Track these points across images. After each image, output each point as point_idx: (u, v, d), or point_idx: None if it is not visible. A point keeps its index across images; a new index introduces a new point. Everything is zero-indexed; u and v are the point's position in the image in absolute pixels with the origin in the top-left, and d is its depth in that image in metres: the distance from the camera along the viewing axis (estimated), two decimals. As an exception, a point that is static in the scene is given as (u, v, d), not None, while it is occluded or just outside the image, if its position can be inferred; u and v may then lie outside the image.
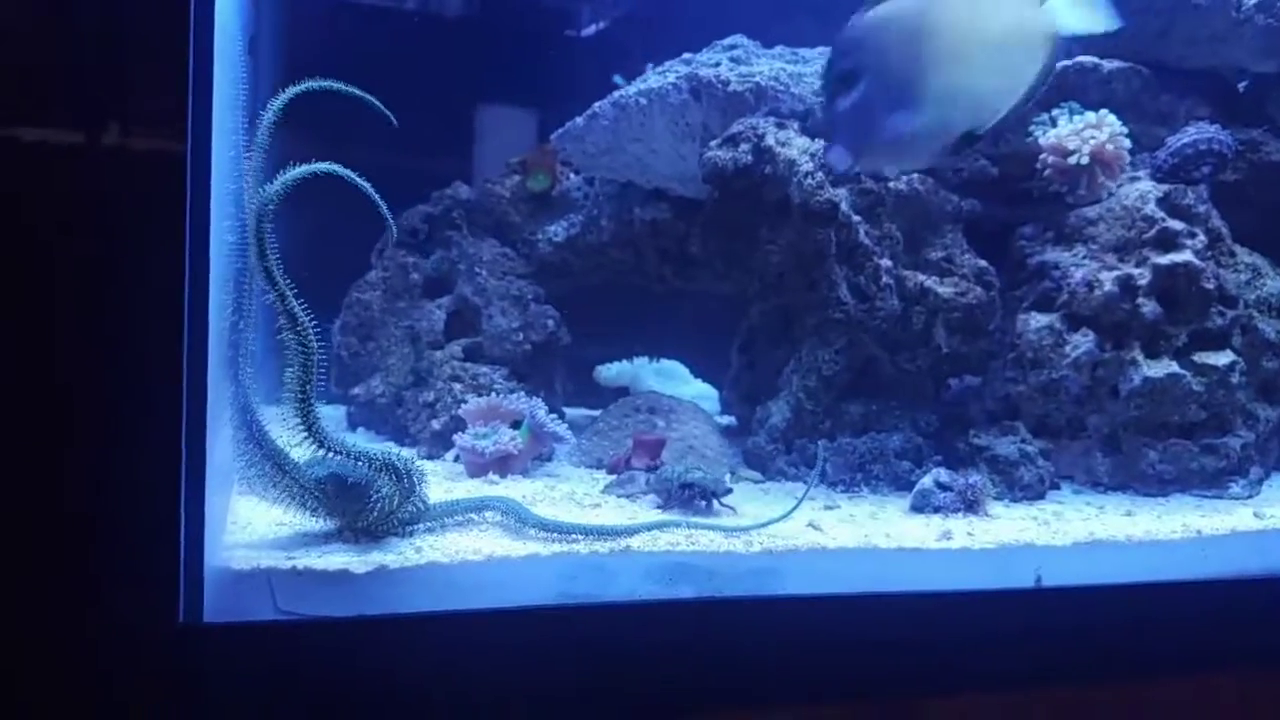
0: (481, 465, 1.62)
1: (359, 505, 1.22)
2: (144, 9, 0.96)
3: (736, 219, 1.78)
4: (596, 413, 2.09)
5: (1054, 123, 1.89)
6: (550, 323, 1.93)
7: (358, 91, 1.22)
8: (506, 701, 1.13)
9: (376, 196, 1.22)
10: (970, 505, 1.60)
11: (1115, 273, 1.79)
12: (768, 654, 1.25)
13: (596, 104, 1.85)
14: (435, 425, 1.77)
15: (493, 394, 1.77)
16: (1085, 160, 1.84)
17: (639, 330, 2.25)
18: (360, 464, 1.20)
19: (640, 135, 1.82)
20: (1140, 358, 1.76)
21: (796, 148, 1.71)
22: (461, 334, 1.90)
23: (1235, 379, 1.78)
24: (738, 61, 1.86)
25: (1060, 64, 1.92)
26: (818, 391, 1.77)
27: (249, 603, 1.11)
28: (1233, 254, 1.90)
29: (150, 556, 1.00)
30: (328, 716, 1.08)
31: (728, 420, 2.14)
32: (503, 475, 1.63)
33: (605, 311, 2.22)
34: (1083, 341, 1.77)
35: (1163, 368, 1.76)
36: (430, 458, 1.76)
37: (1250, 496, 1.78)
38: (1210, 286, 1.79)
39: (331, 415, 1.98)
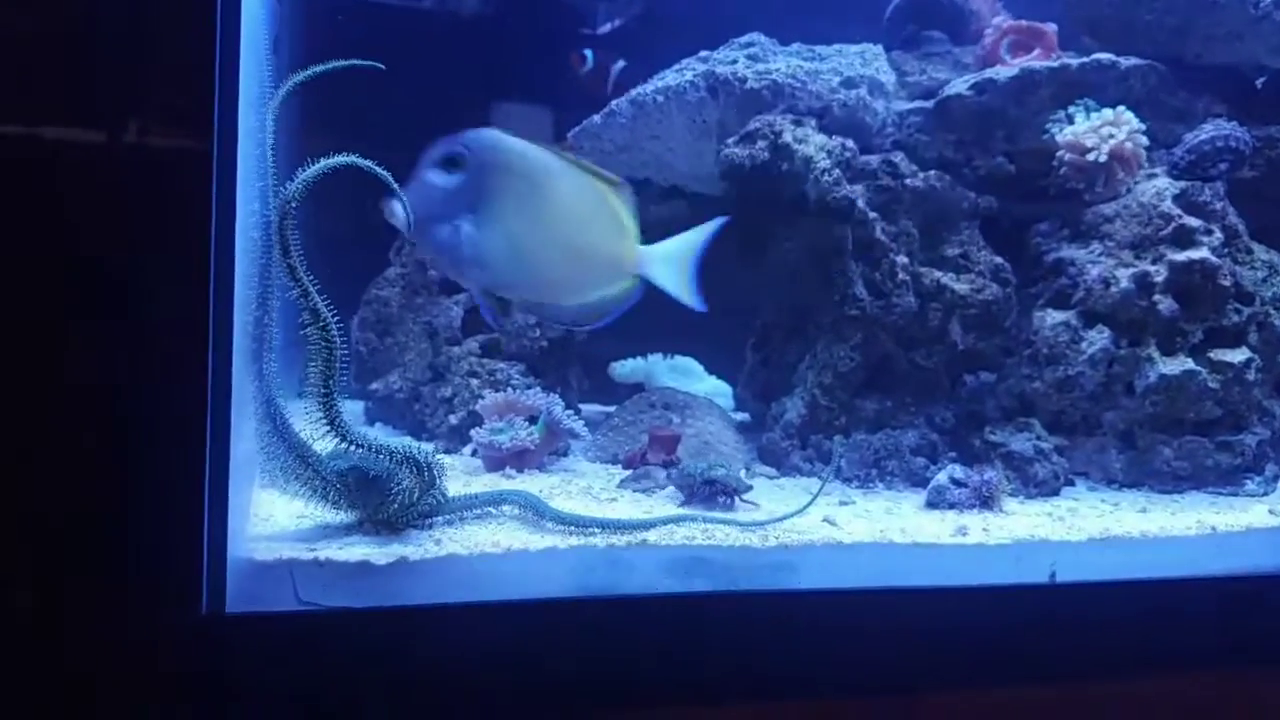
0: (499, 460, 1.64)
1: (380, 498, 1.23)
2: (170, 6, 0.98)
3: (753, 216, 1.79)
4: (612, 409, 2.09)
5: (1071, 120, 1.89)
6: (566, 319, 1.94)
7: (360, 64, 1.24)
8: (524, 691, 1.15)
9: (395, 186, 1.24)
10: (985, 501, 1.60)
11: (1131, 270, 1.79)
12: (783, 648, 1.26)
13: (614, 102, 1.86)
14: (453, 420, 1.79)
15: (509, 389, 1.78)
16: (1104, 158, 1.84)
17: (653, 327, 2.25)
18: (381, 457, 1.21)
19: (658, 132, 1.83)
20: (1156, 354, 1.76)
21: (813, 145, 1.72)
22: (478, 330, 1.91)
23: (1251, 376, 1.78)
24: (755, 59, 1.87)
25: (1078, 61, 1.93)
26: (833, 388, 1.78)
27: (271, 593, 1.12)
28: (1250, 251, 1.90)
29: (174, 548, 1.01)
30: (349, 705, 1.10)
31: (742, 416, 2.14)
32: (520, 470, 1.64)
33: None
34: (1098, 338, 1.78)
35: (1178, 365, 1.76)
36: (448, 452, 1.78)
37: (1266, 493, 1.78)
38: (1227, 283, 1.79)
39: (350, 410, 1.99)
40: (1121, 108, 1.87)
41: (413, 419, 1.88)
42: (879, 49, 2.03)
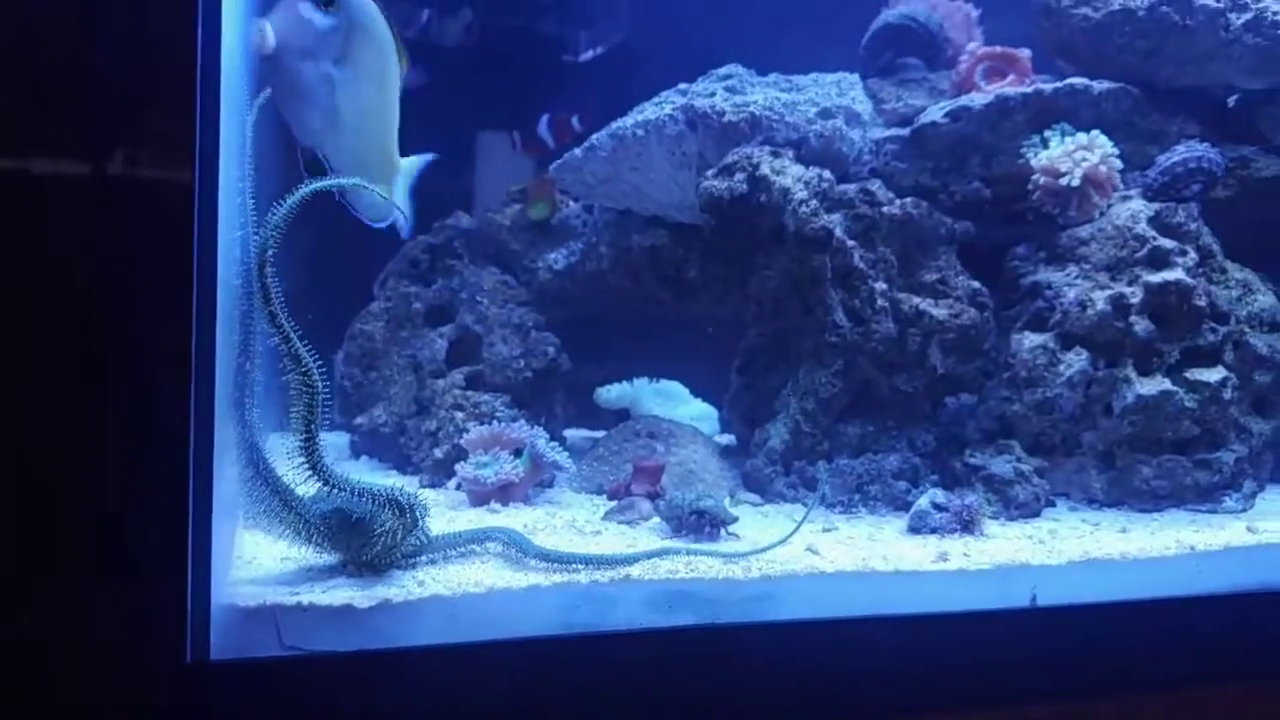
0: (483, 494, 1.65)
1: (363, 540, 1.24)
2: (152, 46, 0.99)
3: (733, 246, 1.81)
4: (598, 434, 2.11)
5: (1045, 144, 1.92)
6: (551, 350, 1.96)
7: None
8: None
9: (365, 183, 1.25)
10: (966, 525, 1.62)
11: (1108, 292, 1.81)
12: (767, 679, 1.27)
13: (594, 136, 1.87)
14: (438, 454, 1.80)
15: (494, 422, 1.79)
16: (1077, 182, 1.86)
17: (639, 353, 2.27)
18: (364, 500, 1.22)
19: (638, 165, 1.85)
20: (1133, 375, 1.78)
21: (791, 176, 1.74)
22: (463, 362, 1.93)
23: (1228, 394, 1.80)
24: (733, 91, 1.89)
25: (1051, 86, 1.95)
26: (815, 414, 1.79)
27: (255, 639, 1.13)
28: (1224, 270, 1.92)
29: (157, 598, 1.02)
30: (335, 750, 1.10)
31: (728, 439, 2.16)
32: (505, 503, 1.65)
33: (605, 336, 2.24)
34: (1076, 360, 1.80)
35: (1156, 385, 1.78)
36: (433, 486, 1.79)
37: (1244, 510, 1.80)
38: (1202, 303, 1.81)
39: (335, 443, 2.01)
40: (1095, 132, 1.90)
41: (398, 453, 1.89)
42: (855, 78, 2.05)
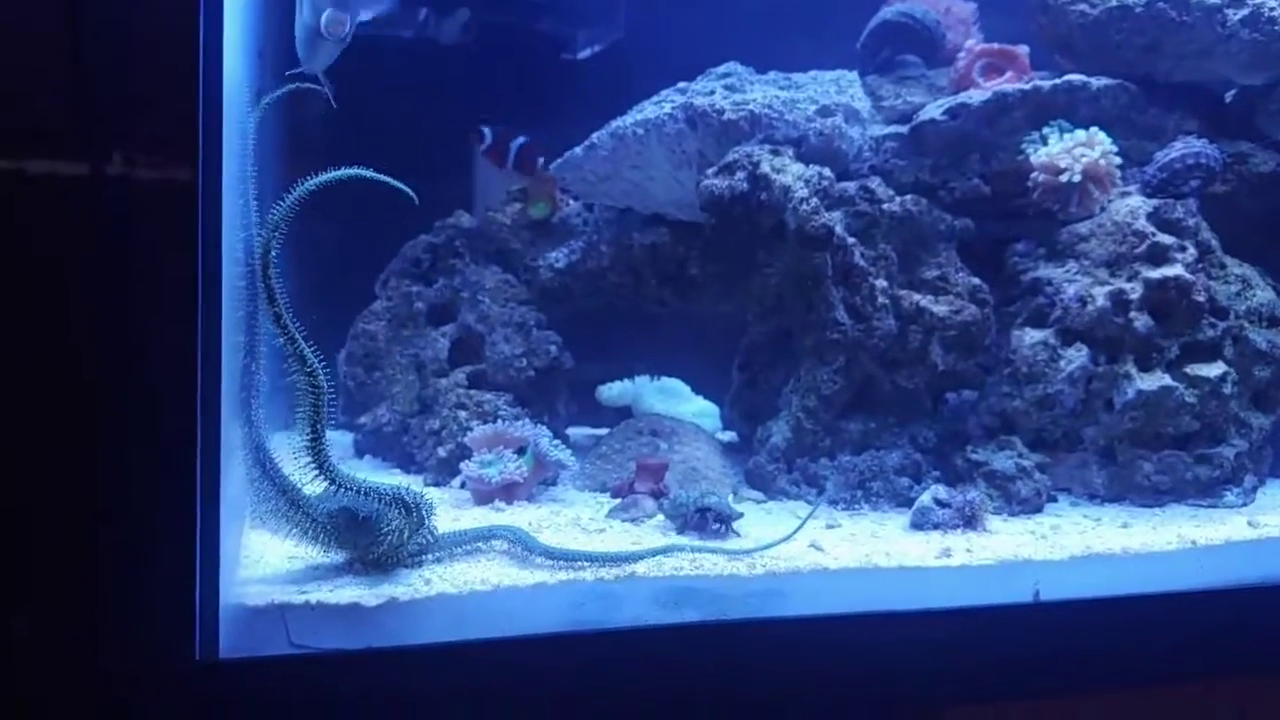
0: (487, 493, 1.65)
1: (369, 539, 1.25)
2: (155, 53, 0.99)
3: (734, 244, 1.82)
4: (600, 432, 2.11)
5: (1044, 141, 1.92)
6: (552, 348, 1.96)
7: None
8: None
9: (369, 172, 1.25)
10: (969, 521, 1.63)
11: (1107, 288, 1.82)
12: (772, 674, 1.28)
13: (594, 134, 1.88)
14: (441, 452, 1.80)
15: (498, 420, 1.79)
16: (1077, 178, 1.87)
17: (641, 350, 2.27)
18: (370, 499, 1.23)
19: (638, 163, 1.86)
20: (1133, 371, 1.79)
21: (791, 174, 1.74)
22: (465, 361, 1.93)
23: (1227, 389, 1.81)
24: (732, 89, 1.89)
25: (1050, 83, 1.96)
26: (817, 411, 1.80)
27: (263, 638, 1.14)
28: (1223, 266, 1.93)
29: (167, 597, 1.03)
30: (344, 748, 1.11)
31: (729, 436, 2.16)
32: (509, 502, 1.66)
33: (607, 334, 2.24)
34: (1076, 356, 1.80)
35: (1156, 380, 1.78)
36: (437, 484, 1.79)
37: (1245, 504, 1.81)
38: (1201, 299, 1.82)
39: (339, 442, 2.01)
40: (1094, 128, 1.90)
41: (401, 451, 1.90)
42: (854, 75, 2.06)
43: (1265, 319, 1.91)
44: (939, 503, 1.64)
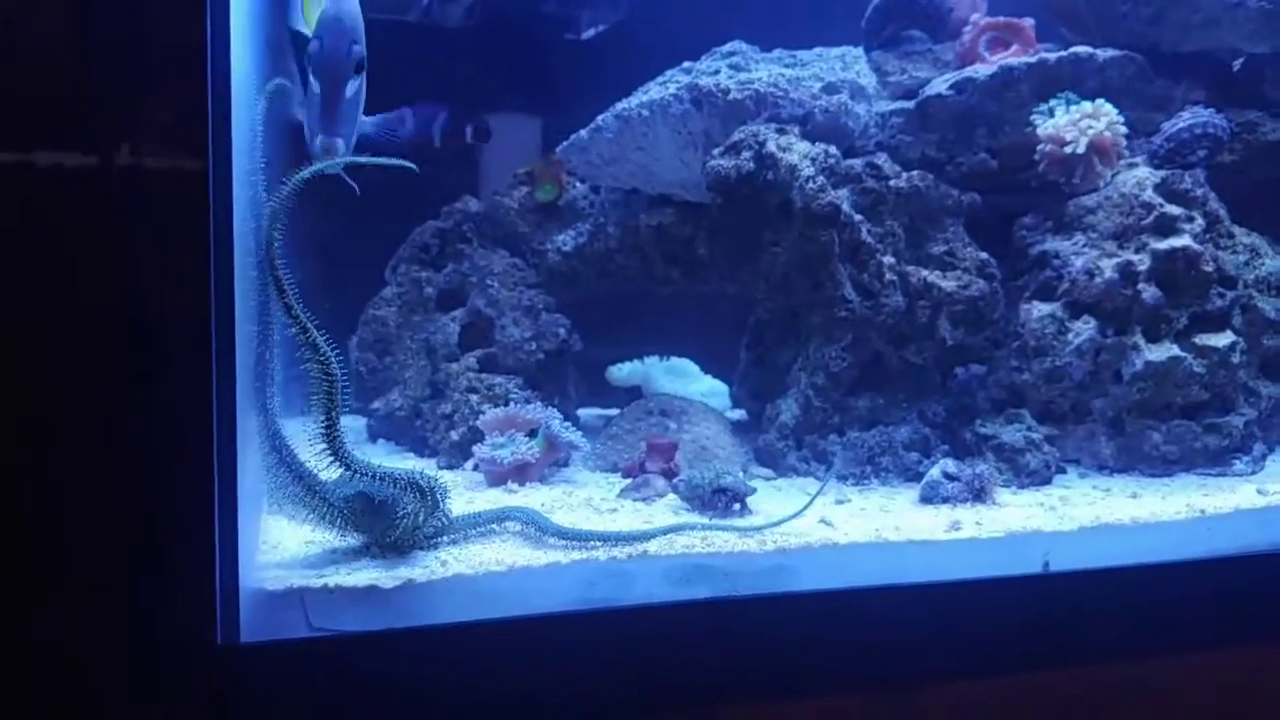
0: (500, 474, 1.67)
1: (386, 522, 1.27)
2: (162, 40, 1.00)
3: (741, 224, 1.82)
4: (610, 412, 2.13)
5: (1052, 114, 1.91)
6: (561, 331, 1.97)
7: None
8: (533, 704, 1.18)
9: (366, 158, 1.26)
10: (978, 494, 1.64)
11: (1115, 260, 1.82)
12: (784, 649, 1.29)
13: (599, 117, 1.88)
14: (454, 436, 1.82)
15: (509, 404, 1.81)
16: (1082, 150, 1.86)
17: (649, 331, 2.28)
18: (386, 483, 1.24)
19: (644, 145, 1.86)
20: (1142, 342, 1.79)
21: (797, 153, 1.75)
22: (476, 345, 1.94)
23: (1236, 359, 1.81)
24: (737, 68, 1.89)
25: (1055, 55, 1.95)
26: (826, 388, 1.81)
27: (283, 621, 1.16)
28: (1231, 235, 1.92)
29: (188, 583, 1.05)
30: (365, 727, 1.13)
31: (739, 414, 2.17)
32: (521, 483, 1.67)
33: (616, 315, 2.25)
34: (1084, 328, 1.81)
35: (1164, 351, 1.79)
36: (450, 468, 1.81)
37: (1254, 473, 1.82)
38: (1209, 269, 1.81)
39: (353, 427, 2.03)
40: (1100, 100, 1.90)
41: (415, 436, 1.92)
42: (859, 51, 2.05)
43: (1274, 288, 1.92)
44: (948, 476, 1.65)
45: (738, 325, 2.11)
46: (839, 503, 1.64)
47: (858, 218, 1.77)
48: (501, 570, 1.27)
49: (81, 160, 0.99)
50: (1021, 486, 1.74)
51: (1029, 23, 2.03)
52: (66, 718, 1.03)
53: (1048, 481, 1.77)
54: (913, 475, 1.76)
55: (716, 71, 1.88)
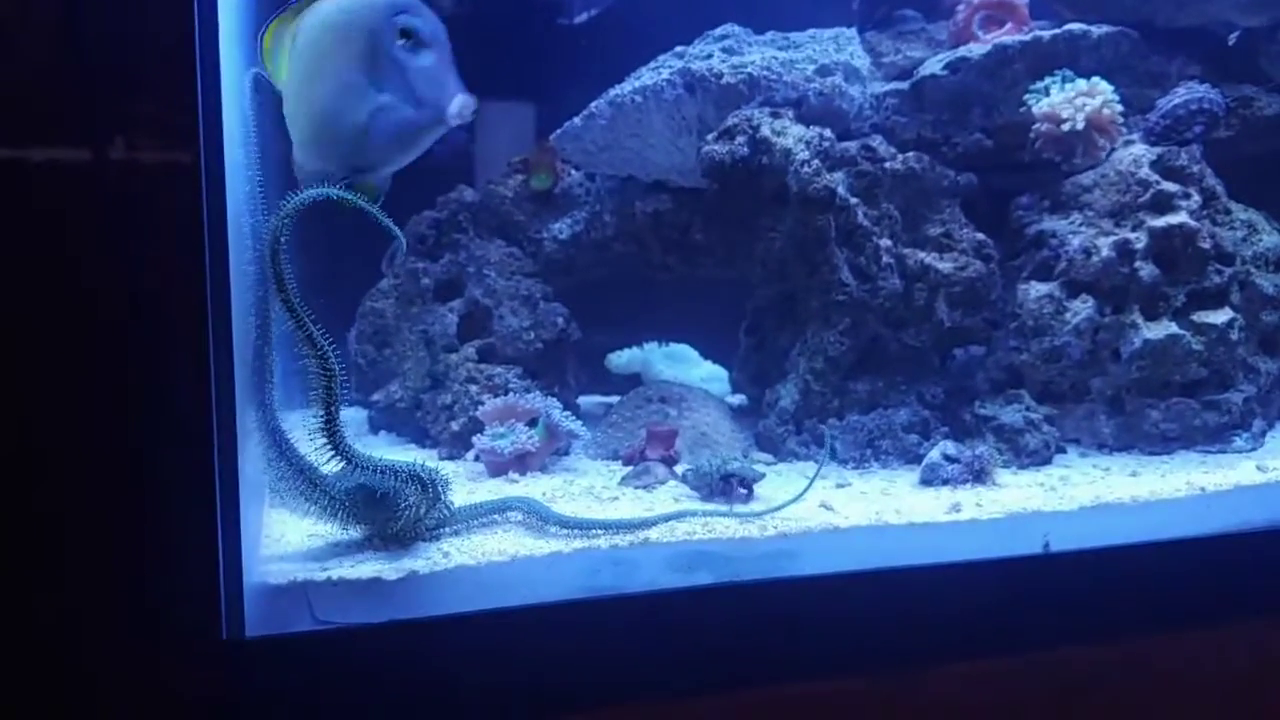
0: (501, 464, 1.67)
1: (387, 514, 1.27)
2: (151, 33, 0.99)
3: (737, 209, 1.82)
4: (611, 399, 2.13)
5: (1047, 91, 1.91)
6: (560, 320, 1.97)
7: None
8: (538, 692, 1.19)
9: (384, 218, 1.25)
10: (978, 476, 1.64)
11: (1112, 238, 1.81)
12: (787, 633, 1.30)
13: (593, 104, 1.87)
14: (454, 426, 1.82)
15: (508, 393, 1.81)
16: (1080, 126, 1.85)
17: (648, 318, 2.28)
18: (387, 476, 1.25)
19: (638, 131, 1.86)
20: (1140, 320, 1.79)
21: (792, 136, 1.74)
22: (474, 336, 1.94)
23: (1234, 335, 1.81)
24: (730, 52, 1.89)
25: (1050, 33, 1.94)
26: (825, 372, 1.81)
27: (288, 615, 1.16)
28: (1228, 211, 1.92)
29: (192, 577, 1.05)
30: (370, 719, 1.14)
31: (739, 399, 2.18)
32: (522, 473, 1.68)
33: (614, 302, 2.25)
34: (1082, 308, 1.81)
35: (1162, 329, 1.79)
36: (451, 458, 1.81)
37: (1254, 449, 1.82)
38: (1206, 246, 1.81)
39: (354, 419, 2.03)
40: (1095, 78, 1.89)
41: (415, 427, 1.92)
42: (852, 33, 2.04)
43: (1272, 263, 1.91)
44: (948, 458, 1.66)
45: (737, 310, 2.11)
46: (839, 486, 1.65)
47: (853, 201, 1.76)
48: (504, 560, 1.27)
49: (72, 155, 0.98)
50: (1021, 467, 1.75)
51: (1023, 0, 2.02)
52: (71, 716, 1.03)
53: (1048, 461, 1.77)
54: (913, 458, 1.76)
55: (709, 55, 1.87)
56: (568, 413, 1.77)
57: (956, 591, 1.36)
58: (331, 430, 1.19)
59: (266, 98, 1.33)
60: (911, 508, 1.51)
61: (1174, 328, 1.79)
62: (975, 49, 1.93)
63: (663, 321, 2.27)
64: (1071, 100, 1.87)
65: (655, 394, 1.93)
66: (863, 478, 1.71)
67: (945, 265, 1.83)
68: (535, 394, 1.80)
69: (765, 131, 1.73)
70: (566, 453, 1.83)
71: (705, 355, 2.31)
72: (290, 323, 1.16)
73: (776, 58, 1.82)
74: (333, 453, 1.21)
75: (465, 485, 1.63)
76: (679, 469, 1.69)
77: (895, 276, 1.79)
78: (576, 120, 1.90)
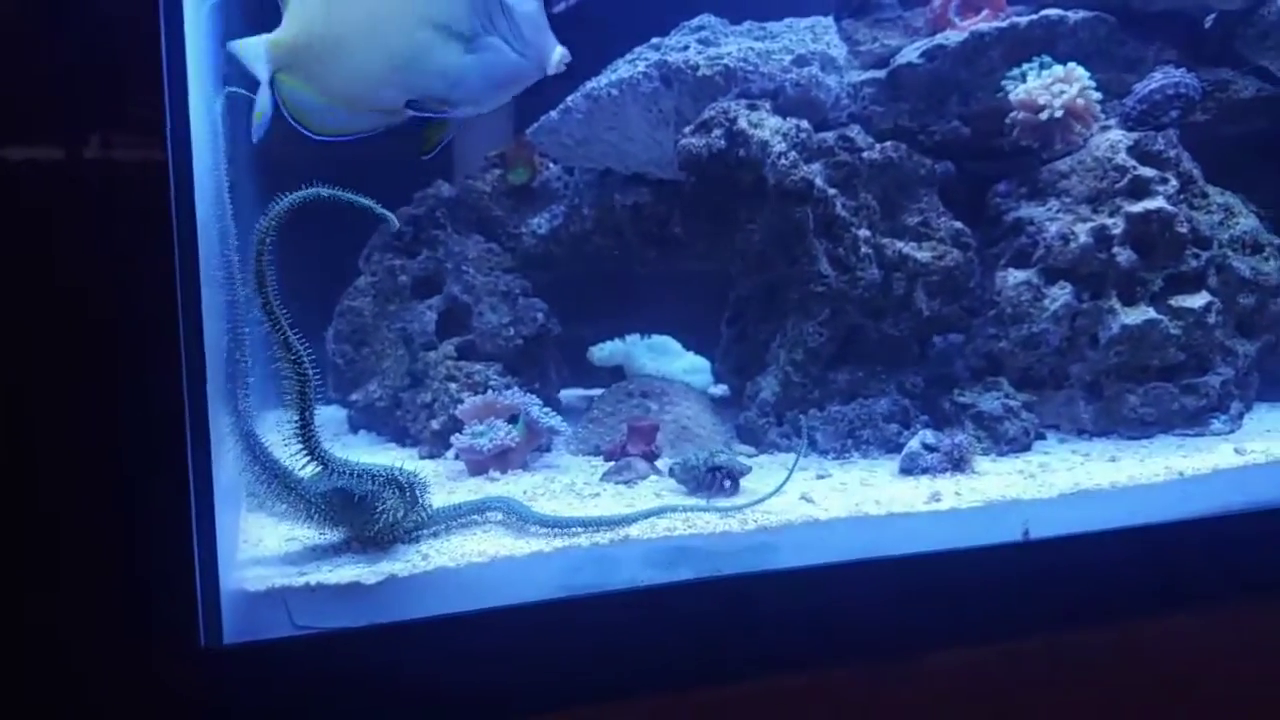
0: (481, 462, 1.67)
1: (365, 518, 1.27)
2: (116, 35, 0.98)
3: (715, 202, 1.81)
4: (594, 392, 2.13)
5: (1024, 78, 1.91)
6: (540, 315, 1.96)
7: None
8: (520, 692, 1.19)
9: (373, 203, 1.24)
10: (957, 464, 1.65)
11: (1089, 224, 1.82)
12: (770, 626, 1.30)
13: (569, 98, 1.86)
14: (434, 425, 1.81)
15: (488, 391, 1.81)
16: (1059, 114, 1.85)
17: (630, 310, 2.28)
18: (365, 480, 1.24)
19: (615, 124, 1.84)
20: (1118, 306, 1.80)
21: (769, 129, 1.74)
22: (453, 333, 1.93)
23: (1212, 319, 1.82)
24: (706, 43, 1.87)
25: (1026, 19, 1.94)
26: (805, 363, 1.81)
27: (267, 621, 1.16)
28: (1205, 195, 1.93)
29: (168, 585, 1.04)
30: (352, 723, 1.14)
31: (721, 389, 2.18)
32: (503, 471, 1.67)
33: (595, 295, 2.25)
34: (1060, 294, 1.81)
35: (1140, 314, 1.79)
36: (432, 456, 1.81)
37: (1232, 431, 1.83)
38: (1183, 230, 1.82)
39: (334, 417, 2.02)
40: (1071, 64, 1.89)
41: (395, 426, 1.91)
42: (829, 21, 2.03)
43: (1249, 246, 1.92)
44: (927, 447, 1.66)
45: (718, 301, 2.11)
46: (820, 478, 1.65)
47: (831, 192, 1.76)
48: (484, 561, 1.27)
49: (40, 155, 0.97)
50: (1001, 454, 1.75)
51: (999, -14, 2.01)
52: (47, 726, 1.03)
53: (1027, 448, 1.78)
54: (893, 447, 1.77)
55: (685, 47, 1.86)
56: (548, 409, 1.76)
57: (937, 581, 1.37)
58: (307, 435, 1.18)
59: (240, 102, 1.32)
60: (891, 498, 1.52)
61: (1151, 313, 1.79)
62: (952, 36, 1.92)
63: (645, 314, 2.27)
64: (1048, 87, 1.87)
65: (636, 388, 1.93)
66: (843, 468, 1.71)
67: (923, 254, 1.83)
68: (515, 390, 1.79)
69: (742, 124, 1.72)
70: (548, 449, 1.83)
71: (688, 346, 2.31)
72: (268, 325, 1.15)
73: (753, 49, 1.81)
74: (309, 458, 1.20)
75: (446, 484, 1.63)
76: (661, 463, 1.69)
77: (874, 266, 1.79)
78: (553, 114, 1.89)
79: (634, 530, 1.36)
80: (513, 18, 1.34)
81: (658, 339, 2.30)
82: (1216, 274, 1.87)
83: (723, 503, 1.48)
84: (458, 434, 1.70)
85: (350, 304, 1.97)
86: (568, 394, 2.20)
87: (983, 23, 1.95)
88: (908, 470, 1.65)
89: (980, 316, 1.88)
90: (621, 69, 1.85)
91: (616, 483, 1.61)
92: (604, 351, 2.25)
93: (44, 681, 1.02)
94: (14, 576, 1.00)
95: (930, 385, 1.89)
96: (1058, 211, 1.86)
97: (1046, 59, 1.91)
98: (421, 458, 1.81)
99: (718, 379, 2.21)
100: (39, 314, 0.98)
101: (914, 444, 1.67)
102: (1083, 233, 1.81)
